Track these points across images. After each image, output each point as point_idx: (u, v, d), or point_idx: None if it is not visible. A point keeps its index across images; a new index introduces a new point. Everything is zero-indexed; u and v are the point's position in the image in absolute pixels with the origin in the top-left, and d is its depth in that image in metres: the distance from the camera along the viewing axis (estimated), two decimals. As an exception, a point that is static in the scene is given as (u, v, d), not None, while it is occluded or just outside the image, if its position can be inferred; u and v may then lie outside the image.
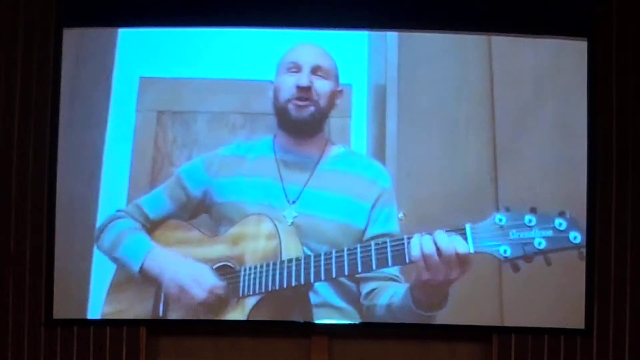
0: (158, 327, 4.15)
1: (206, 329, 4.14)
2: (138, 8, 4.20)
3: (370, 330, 4.11)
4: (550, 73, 4.17)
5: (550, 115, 4.16)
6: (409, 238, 3.68)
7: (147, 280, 4.01)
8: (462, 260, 3.61)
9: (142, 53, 4.20)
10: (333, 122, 4.08)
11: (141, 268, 3.99)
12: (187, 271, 3.99)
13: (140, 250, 4.01)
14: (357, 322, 4.02)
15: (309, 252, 3.92)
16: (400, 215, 4.02)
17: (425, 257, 3.62)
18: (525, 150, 4.15)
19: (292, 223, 4.00)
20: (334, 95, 4.06)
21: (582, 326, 4.11)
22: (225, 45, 4.17)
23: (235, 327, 4.08)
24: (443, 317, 3.99)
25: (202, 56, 4.18)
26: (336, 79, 4.07)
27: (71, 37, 4.19)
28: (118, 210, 4.10)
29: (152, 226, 4.07)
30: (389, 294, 3.90)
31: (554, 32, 4.17)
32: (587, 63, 4.15)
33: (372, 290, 3.94)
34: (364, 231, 3.99)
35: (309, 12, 4.17)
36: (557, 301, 4.10)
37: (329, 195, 4.04)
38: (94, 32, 4.21)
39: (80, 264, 4.12)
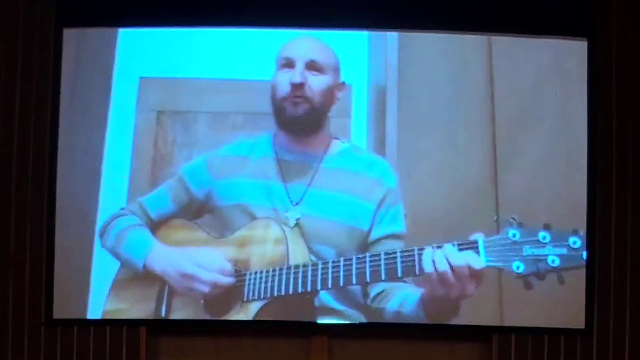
0: (158, 327, 4.15)
1: (207, 329, 4.13)
2: (138, 8, 4.20)
3: (370, 330, 4.10)
4: (550, 73, 4.17)
5: (550, 115, 4.16)
6: (420, 250, 3.69)
7: (151, 277, 3.99)
8: (475, 276, 3.62)
9: (142, 53, 4.20)
10: (333, 122, 4.07)
11: (144, 265, 3.99)
12: (190, 260, 3.96)
13: (142, 247, 4.00)
14: (356, 321, 4.01)
15: (314, 259, 3.91)
16: (401, 215, 4.03)
17: (439, 274, 3.62)
18: (525, 150, 4.15)
19: (296, 224, 3.96)
20: (334, 90, 4.00)
21: (582, 326, 4.11)
22: (225, 45, 4.17)
23: (236, 327, 4.08)
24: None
25: (202, 56, 4.18)
26: (336, 72, 4.01)
27: (71, 37, 4.19)
28: (122, 208, 4.09)
29: (154, 225, 4.05)
30: (399, 298, 3.87)
31: (554, 32, 4.17)
32: (587, 63, 4.16)
33: (381, 292, 3.91)
34: (368, 232, 3.95)
35: (309, 12, 4.16)
36: (557, 301, 4.09)
37: (333, 195, 3.99)
38: (94, 32, 4.21)
39: (80, 264, 4.12)
